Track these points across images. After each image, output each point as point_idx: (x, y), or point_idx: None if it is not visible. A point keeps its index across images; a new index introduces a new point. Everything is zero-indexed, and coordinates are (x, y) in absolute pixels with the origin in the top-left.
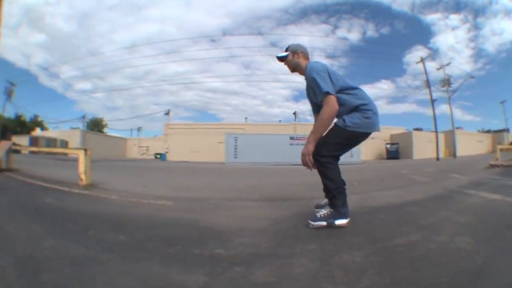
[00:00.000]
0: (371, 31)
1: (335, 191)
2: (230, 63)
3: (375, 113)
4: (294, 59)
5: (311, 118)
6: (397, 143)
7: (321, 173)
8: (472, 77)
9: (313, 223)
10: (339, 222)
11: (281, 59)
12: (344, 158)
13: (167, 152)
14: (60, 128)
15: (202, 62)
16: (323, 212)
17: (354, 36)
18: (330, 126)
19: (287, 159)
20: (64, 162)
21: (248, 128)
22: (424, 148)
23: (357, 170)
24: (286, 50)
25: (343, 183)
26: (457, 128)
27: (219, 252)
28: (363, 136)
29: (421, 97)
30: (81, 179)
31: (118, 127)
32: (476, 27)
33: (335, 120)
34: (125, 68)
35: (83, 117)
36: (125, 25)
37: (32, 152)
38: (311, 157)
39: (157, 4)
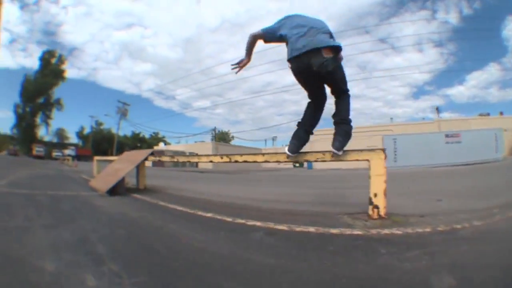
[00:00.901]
0: (466, 9)
1: None
2: (346, 67)
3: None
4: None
5: (447, 115)
6: None
7: None
8: None
9: None
10: None
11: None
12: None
13: None
14: (181, 142)
15: None
16: None
17: (453, 17)
18: None
19: (443, 159)
20: (201, 174)
21: (395, 128)
22: None
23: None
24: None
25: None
26: None
27: None
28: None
29: None
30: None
31: (246, 138)
32: None
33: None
34: (242, 82)
35: (213, 129)
36: (233, 44)
37: (155, 164)
38: None
39: (258, 21)
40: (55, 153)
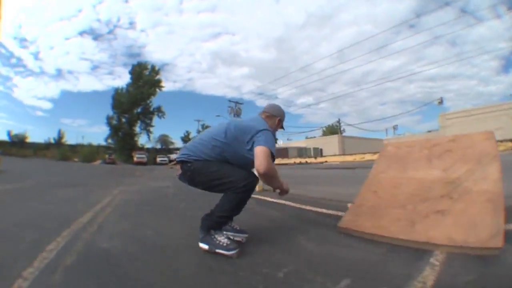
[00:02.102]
0: None
1: None
2: (437, 45)
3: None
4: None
5: None
6: None
7: None
8: None
9: None
10: None
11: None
12: None
13: None
14: (293, 139)
15: (412, 51)
16: None
17: None
18: None
19: None
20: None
21: None
22: None
23: None
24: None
25: None
26: None
27: None
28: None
29: None
30: None
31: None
32: None
33: None
34: (341, 74)
35: (338, 121)
36: (323, 37)
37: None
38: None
39: (343, 9)
40: (159, 159)
